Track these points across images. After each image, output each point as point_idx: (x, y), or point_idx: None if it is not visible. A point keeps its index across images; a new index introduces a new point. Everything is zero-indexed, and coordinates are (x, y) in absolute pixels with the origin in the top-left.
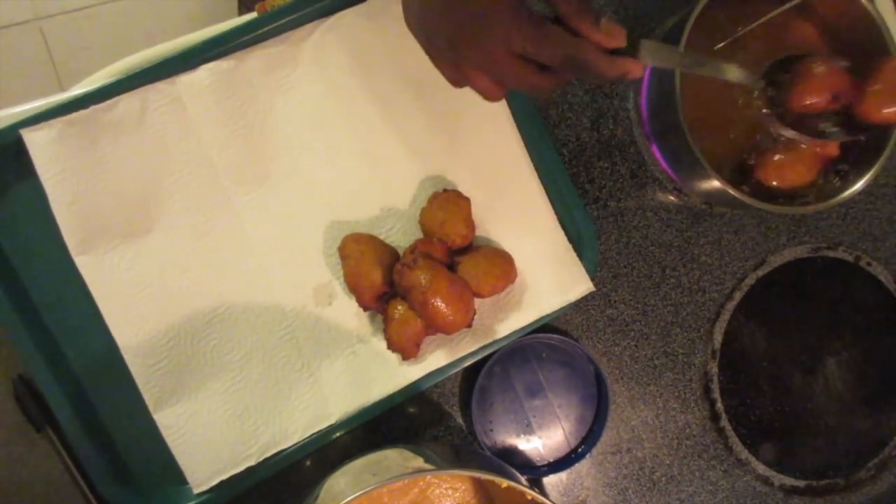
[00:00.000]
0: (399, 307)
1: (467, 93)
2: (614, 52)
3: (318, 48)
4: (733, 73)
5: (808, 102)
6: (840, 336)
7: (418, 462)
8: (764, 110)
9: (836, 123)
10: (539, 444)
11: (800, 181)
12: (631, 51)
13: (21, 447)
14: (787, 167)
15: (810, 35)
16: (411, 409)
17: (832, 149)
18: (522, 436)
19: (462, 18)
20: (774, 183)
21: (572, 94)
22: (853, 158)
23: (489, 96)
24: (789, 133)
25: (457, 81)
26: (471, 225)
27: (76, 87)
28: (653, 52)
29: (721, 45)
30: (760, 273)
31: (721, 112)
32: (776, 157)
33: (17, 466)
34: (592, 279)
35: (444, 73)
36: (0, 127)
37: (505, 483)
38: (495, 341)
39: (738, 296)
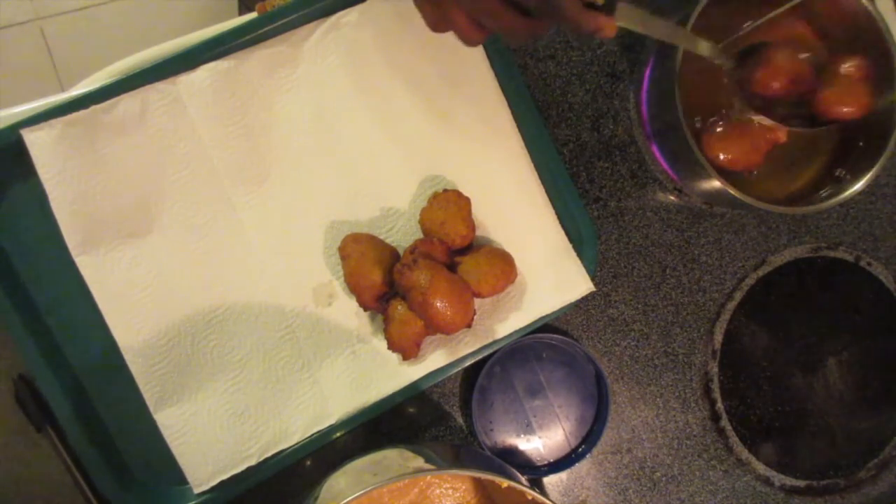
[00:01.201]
0: (399, 307)
1: (467, 92)
2: (593, 8)
3: (318, 49)
4: (704, 47)
5: (768, 85)
6: (840, 336)
7: (418, 462)
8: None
9: (798, 113)
10: (539, 444)
11: (744, 159)
12: (608, 9)
13: (21, 447)
14: (731, 140)
15: (810, 35)
16: (411, 409)
17: (781, 135)
18: (522, 436)
19: None
20: (720, 156)
21: (572, 94)
22: (853, 159)
23: (468, 38)
24: (756, 116)
25: (436, 23)
26: (471, 225)
27: (76, 87)
28: (626, 15)
29: (722, 44)
30: (761, 273)
31: (720, 111)
32: (719, 129)
33: (18, 466)
34: (592, 279)
35: (423, 14)
36: (0, 127)
37: (505, 483)
38: (495, 341)
39: (738, 296)
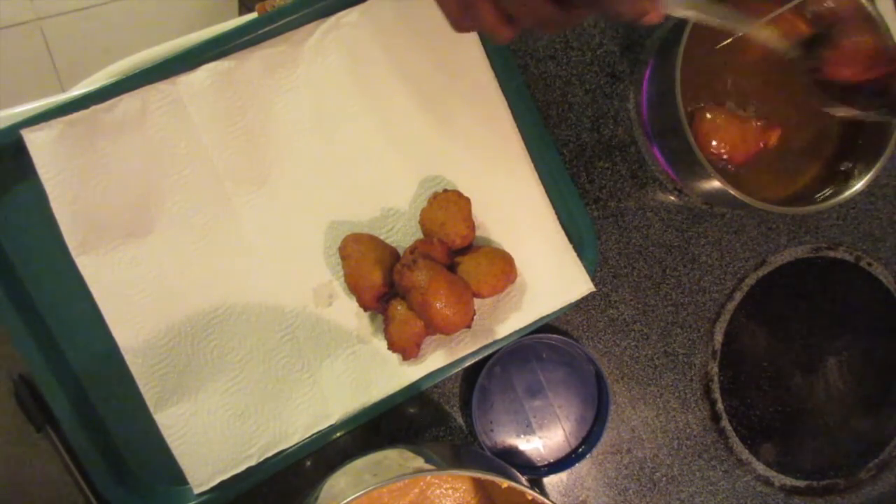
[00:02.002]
0: (399, 307)
1: (467, 92)
2: None
3: (318, 49)
4: (768, 34)
5: (839, 72)
6: (840, 336)
7: (418, 462)
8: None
9: (882, 102)
10: (539, 444)
11: (729, 150)
12: None
13: (21, 447)
14: (721, 128)
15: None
16: (411, 409)
17: (773, 138)
18: (523, 436)
19: None
20: (713, 142)
21: (572, 94)
22: (855, 158)
23: (497, 34)
24: (837, 109)
25: (460, 21)
26: (471, 225)
27: (76, 87)
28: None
29: (722, 44)
30: (761, 273)
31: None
32: (708, 115)
33: (17, 466)
34: (592, 279)
35: (447, 11)
36: (0, 127)
37: (505, 483)
38: (495, 341)
39: (738, 296)
